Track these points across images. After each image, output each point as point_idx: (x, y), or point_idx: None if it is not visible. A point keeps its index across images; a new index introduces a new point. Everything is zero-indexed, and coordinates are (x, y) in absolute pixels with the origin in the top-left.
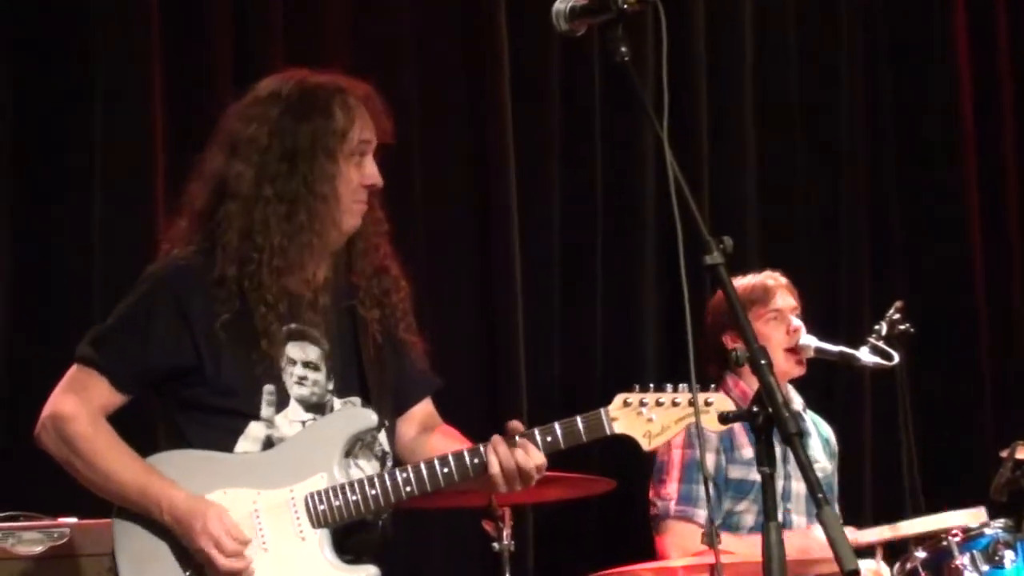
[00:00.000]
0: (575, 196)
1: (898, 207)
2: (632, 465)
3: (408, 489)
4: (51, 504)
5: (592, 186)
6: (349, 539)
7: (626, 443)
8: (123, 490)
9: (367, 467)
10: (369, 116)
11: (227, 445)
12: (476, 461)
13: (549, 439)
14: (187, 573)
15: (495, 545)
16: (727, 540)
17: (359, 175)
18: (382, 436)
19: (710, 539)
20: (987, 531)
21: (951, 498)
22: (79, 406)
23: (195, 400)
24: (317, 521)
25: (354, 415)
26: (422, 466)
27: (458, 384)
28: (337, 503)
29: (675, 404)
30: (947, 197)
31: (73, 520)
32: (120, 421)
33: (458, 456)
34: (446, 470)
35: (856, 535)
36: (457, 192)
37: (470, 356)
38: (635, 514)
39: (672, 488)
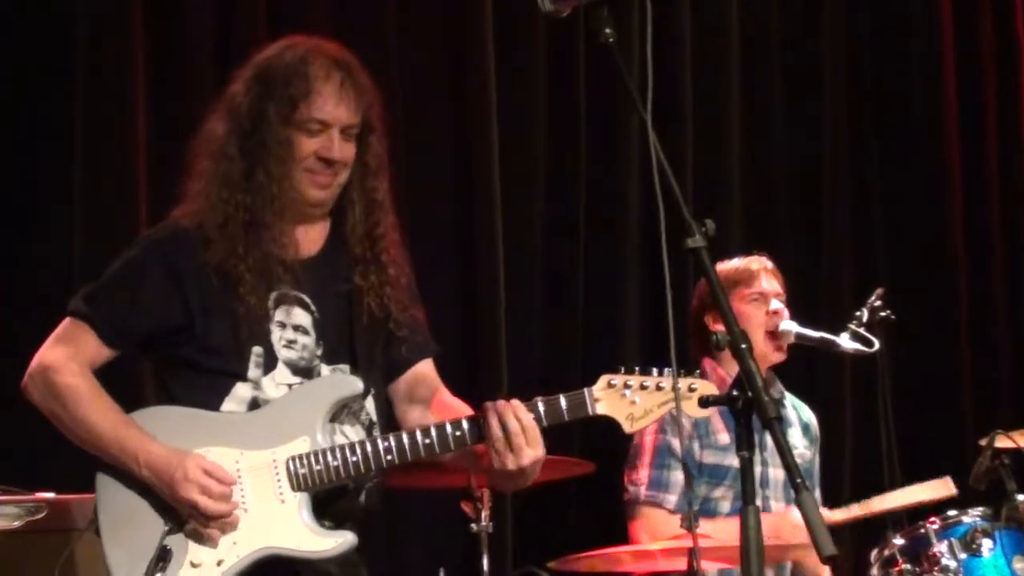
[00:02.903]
0: (559, 178)
1: (880, 195)
2: (611, 448)
3: (389, 458)
4: (28, 479)
5: (576, 169)
6: (331, 506)
7: (606, 425)
8: (102, 443)
9: (352, 434)
10: (333, 100)
11: (213, 404)
12: (458, 434)
13: (532, 415)
14: (167, 528)
15: (473, 526)
16: (703, 525)
17: (314, 144)
18: (369, 404)
19: (688, 523)
20: (965, 519)
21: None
22: (67, 358)
23: (183, 359)
24: (297, 484)
25: (340, 381)
26: (404, 436)
27: (436, 366)
28: (318, 467)
29: (659, 388)
30: (929, 182)
31: (51, 495)
32: (111, 376)
33: (440, 427)
34: (427, 441)
35: (828, 514)
36: (441, 172)
37: (450, 336)
38: (614, 497)
39: (644, 473)
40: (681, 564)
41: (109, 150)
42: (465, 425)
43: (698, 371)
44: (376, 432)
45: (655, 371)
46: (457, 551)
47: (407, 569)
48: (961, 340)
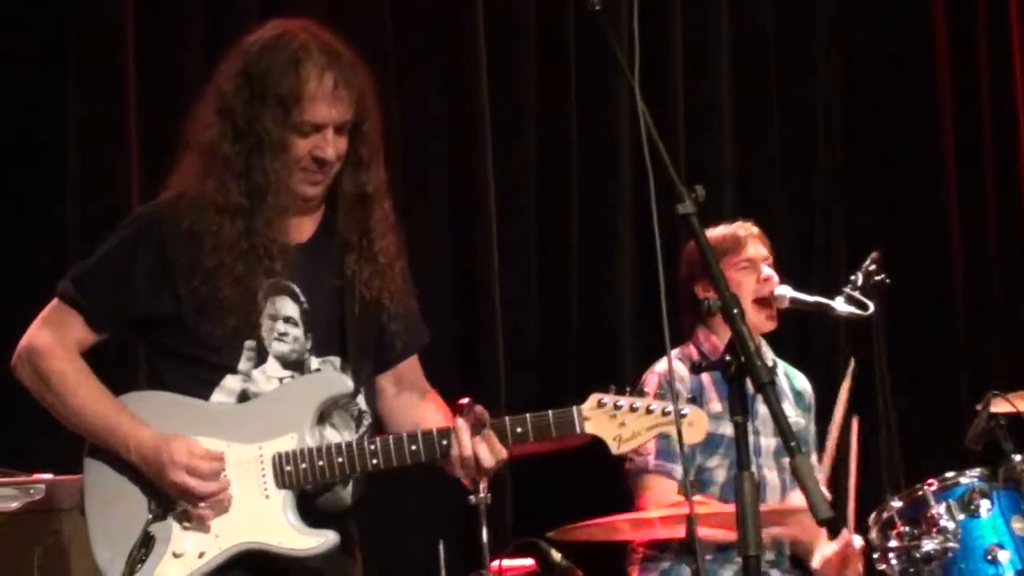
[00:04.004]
0: (551, 146)
1: (874, 158)
2: None
3: (375, 462)
4: (27, 460)
5: (567, 136)
6: (319, 496)
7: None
8: (91, 428)
9: (342, 427)
10: (327, 102)
11: (203, 394)
12: (444, 443)
13: (519, 430)
14: (151, 516)
15: (472, 498)
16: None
17: (308, 145)
18: (360, 396)
19: (686, 491)
20: (963, 480)
21: (927, 447)
22: (54, 342)
23: (173, 348)
24: (282, 482)
25: (330, 380)
26: (391, 441)
27: (431, 345)
28: (303, 466)
29: (649, 412)
30: (923, 143)
31: (49, 476)
32: (102, 357)
33: (427, 435)
34: (414, 447)
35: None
36: (432, 141)
37: (445, 303)
38: (613, 467)
39: (650, 444)
40: (680, 532)
41: (102, 128)
42: (452, 435)
43: (690, 396)
44: (366, 421)
45: (649, 392)
46: (456, 523)
47: (406, 542)
48: (956, 301)
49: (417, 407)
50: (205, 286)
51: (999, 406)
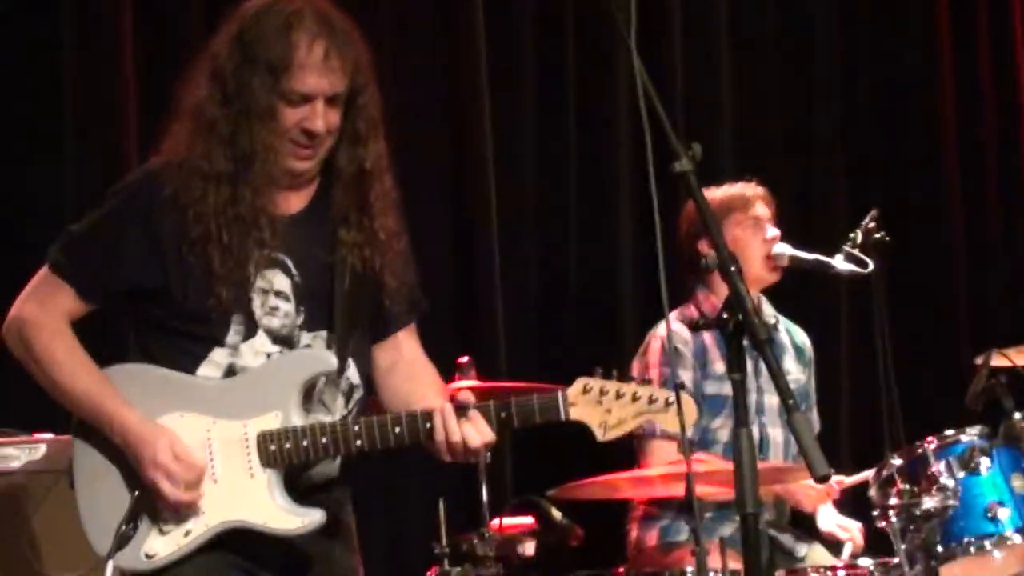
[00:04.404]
0: (549, 106)
1: (872, 115)
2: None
3: (359, 443)
4: (27, 420)
5: (566, 96)
6: (307, 467)
7: (603, 356)
8: (77, 404)
9: (331, 402)
10: (317, 71)
11: (189, 367)
12: (428, 425)
13: (503, 415)
14: (135, 494)
15: None
16: (702, 455)
17: (297, 115)
18: (351, 370)
19: (684, 451)
20: (963, 438)
21: (927, 402)
22: (42, 313)
23: (160, 320)
24: (267, 461)
25: (314, 357)
26: (375, 423)
27: (431, 300)
28: (288, 446)
29: (635, 399)
30: (922, 99)
31: (49, 436)
32: (91, 325)
33: (411, 418)
34: (398, 430)
35: (843, 480)
36: (429, 97)
37: (444, 270)
38: None
39: None
40: (679, 490)
41: (98, 94)
42: (435, 418)
43: (679, 383)
44: (356, 395)
45: (635, 378)
46: (456, 481)
47: (406, 500)
48: (957, 258)
49: (410, 380)
50: (192, 256)
51: (999, 361)
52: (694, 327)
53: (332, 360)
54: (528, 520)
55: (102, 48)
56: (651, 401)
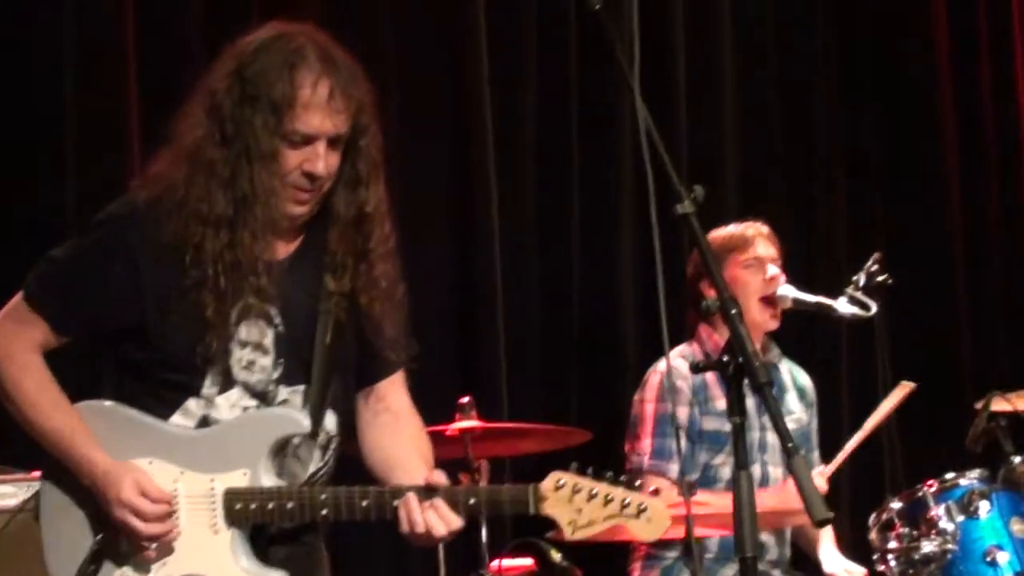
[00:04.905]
0: (552, 151)
1: (876, 157)
2: (609, 417)
3: (324, 512)
4: (25, 458)
5: (568, 136)
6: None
7: (602, 394)
8: (45, 440)
9: (306, 456)
10: (321, 112)
11: (163, 414)
12: (396, 503)
13: (472, 502)
14: (99, 536)
15: None
16: (703, 495)
17: (299, 157)
18: (329, 420)
19: (684, 491)
20: (962, 482)
21: (928, 447)
22: (13, 343)
23: (136, 362)
24: (232, 519)
25: (287, 419)
26: (343, 494)
27: (433, 339)
28: (253, 506)
29: (607, 502)
30: (924, 145)
31: None
32: (69, 354)
33: (379, 495)
34: (365, 503)
35: (822, 469)
36: (434, 139)
37: (447, 297)
38: (612, 465)
39: (646, 443)
40: (680, 532)
41: (100, 113)
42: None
43: (654, 488)
44: (333, 446)
45: (608, 476)
46: None
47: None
48: (959, 301)
49: (391, 436)
50: (183, 302)
51: (999, 405)
52: (694, 369)
53: (305, 423)
54: (528, 562)
55: (106, 70)
56: (624, 505)
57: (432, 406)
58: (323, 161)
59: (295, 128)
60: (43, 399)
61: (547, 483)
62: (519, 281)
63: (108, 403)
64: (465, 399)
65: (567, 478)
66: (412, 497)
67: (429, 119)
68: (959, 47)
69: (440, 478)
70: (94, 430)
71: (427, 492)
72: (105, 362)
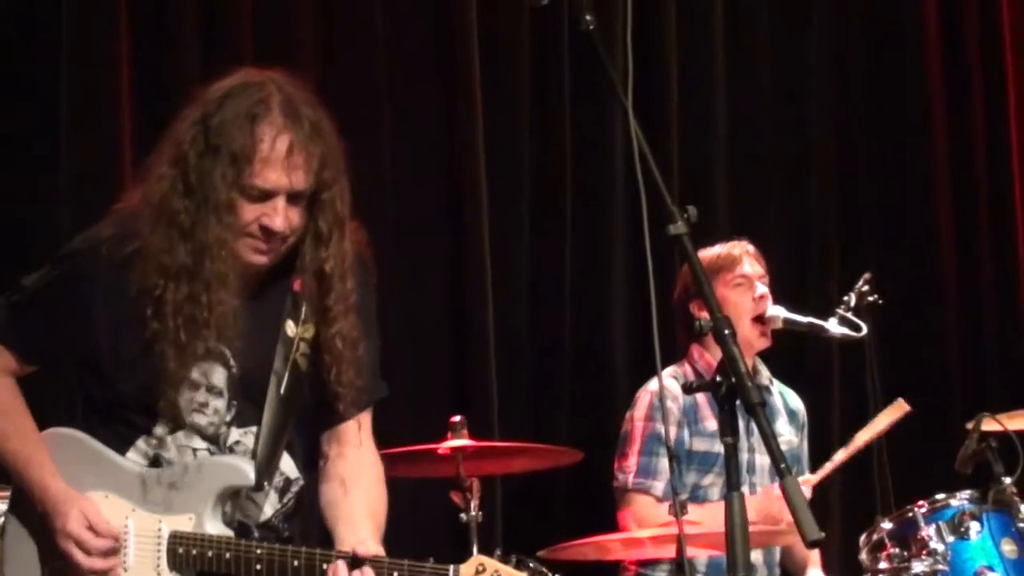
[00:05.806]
0: (545, 170)
1: (868, 177)
2: (600, 436)
3: (259, 567)
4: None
5: (561, 154)
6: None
7: (593, 413)
8: (7, 466)
9: (261, 500)
10: (279, 168)
11: (120, 449)
12: (324, 567)
13: (395, 575)
14: (49, 566)
15: (463, 516)
16: (693, 510)
17: (256, 211)
18: (285, 463)
19: (675, 511)
20: (953, 502)
21: (918, 468)
22: None
23: (94, 397)
24: (174, 563)
25: (233, 470)
26: (276, 552)
27: (426, 360)
28: (195, 552)
29: None
30: (917, 164)
31: None
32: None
33: (310, 556)
34: (296, 563)
35: (809, 478)
36: (426, 157)
37: (439, 318)
38: (603, 485)
39: (632, 461)
40: (670, 551)
41: (95, 120)
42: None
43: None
44: (293, 488)
45: (532, 568)
46: (446, 540)
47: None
48: (949, 321)
49: (342, 486)
50: (139, 351)
51: (989, 426)
52: (687, 389)
53: (250, 476)
54: None
55: (100, 74)
56: None
57: (424, 425)
58: (281, 216)
59: (252, 183)
60: (6, 422)
61: (469, 567)
62: (511, 301)
63: (77, 433)
64: (457, 418)
65: (489, 564)
66: (341, 565)
67: (421, 131)
68: (951, 63)
69: (371, 547)
70: (58, 458)
71: (355, 561)
72: (77, 390)
